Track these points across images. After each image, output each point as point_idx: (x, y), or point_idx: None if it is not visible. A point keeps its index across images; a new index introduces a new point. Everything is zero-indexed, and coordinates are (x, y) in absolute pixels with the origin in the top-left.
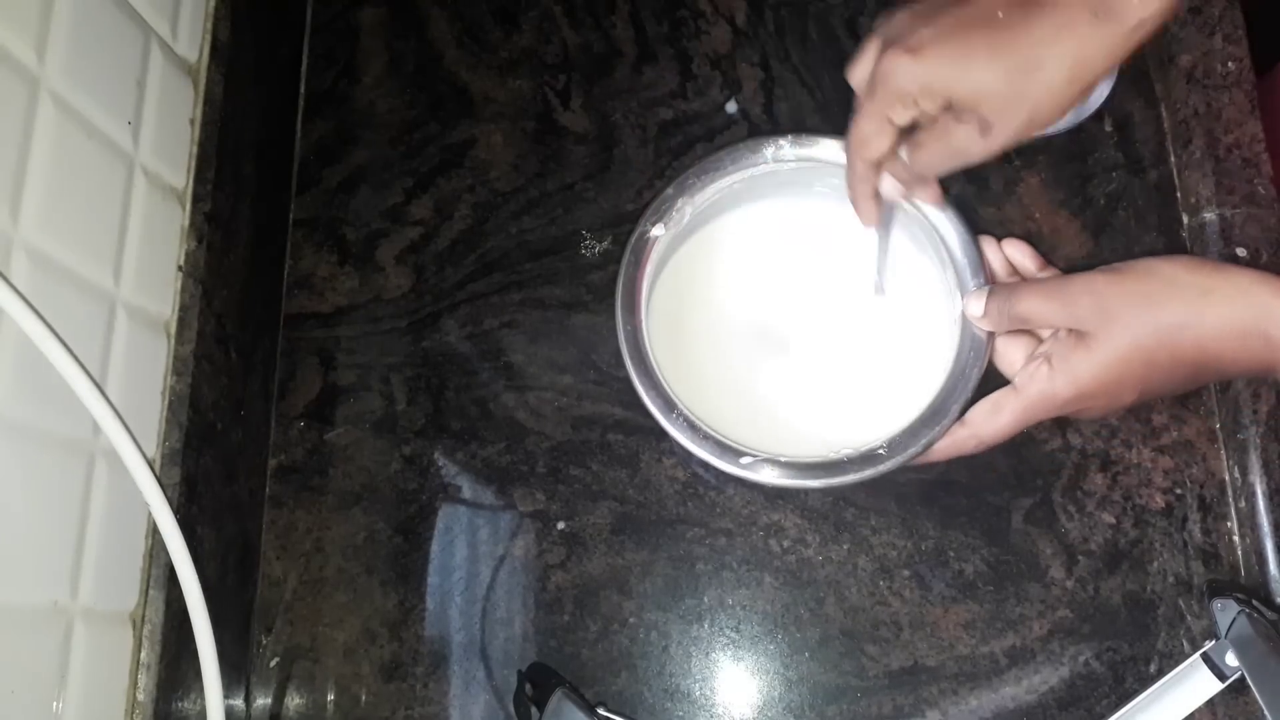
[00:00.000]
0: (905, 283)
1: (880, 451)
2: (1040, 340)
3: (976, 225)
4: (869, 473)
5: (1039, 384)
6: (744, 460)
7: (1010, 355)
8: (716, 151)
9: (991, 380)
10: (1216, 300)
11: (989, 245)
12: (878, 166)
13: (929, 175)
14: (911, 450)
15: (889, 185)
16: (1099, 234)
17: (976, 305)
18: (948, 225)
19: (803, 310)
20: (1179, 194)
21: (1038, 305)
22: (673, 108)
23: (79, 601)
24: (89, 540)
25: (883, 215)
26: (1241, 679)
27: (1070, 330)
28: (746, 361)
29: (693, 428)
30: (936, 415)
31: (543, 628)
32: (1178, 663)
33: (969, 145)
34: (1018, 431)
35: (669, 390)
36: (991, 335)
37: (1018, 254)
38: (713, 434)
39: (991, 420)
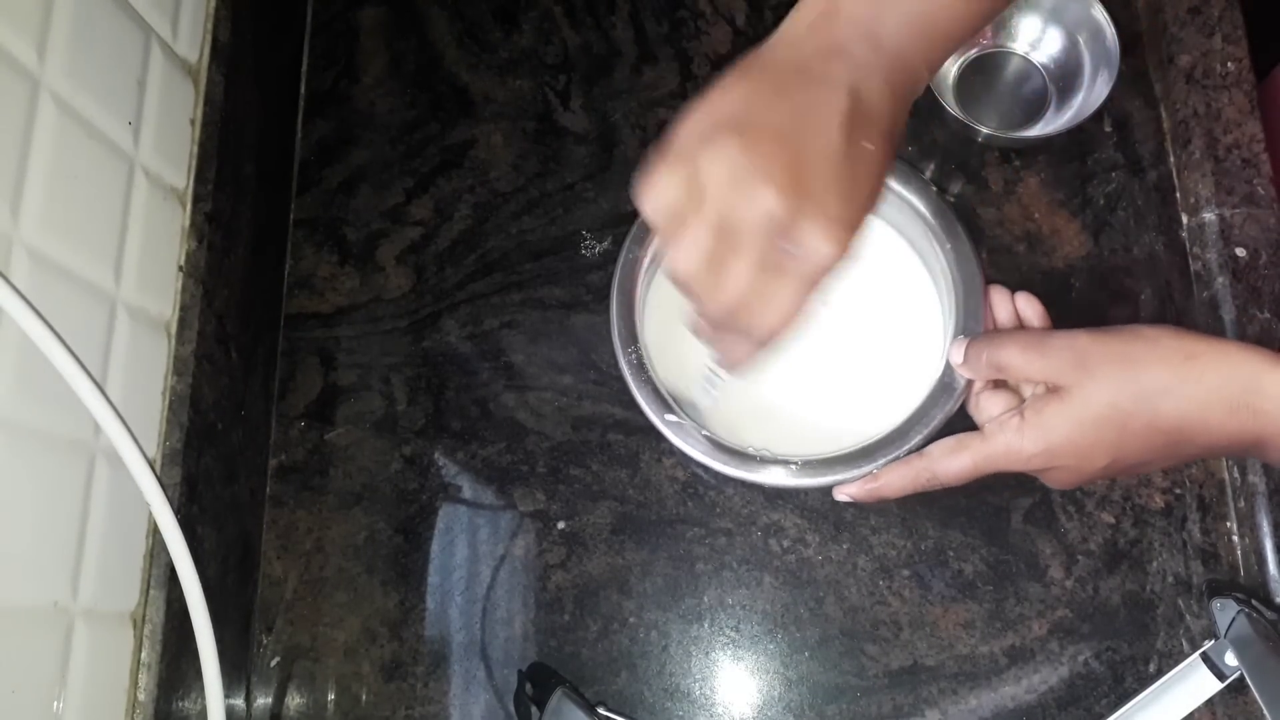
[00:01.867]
0: (902, 282)
1: (865, 452)
2: (1023, 399)
3: (976, 225)
4: (856, 473)
5: (1007, 435)
6: (733, 456)
7: (990, 410)
8: None
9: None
10: (1202, 366)
11: (1000, 295)
12: None
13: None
14: (899, 451)
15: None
16: (1098, 234)
17: (958, 353)
18: (940, 227)
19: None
20: (1178, 194)
21: (1017, 356)
22: (673, 108)
23: (80, 601)
24: (89, 540)
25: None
26: (1241, 679)
27: (1049, 388)
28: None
29: (683, 424)
30: (927, 413)
31: (543, 627)
32: (1177, 662)
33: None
34: (975, 477)
35: (664, 391)
36: (989, 325)
37: (1028, 310)
38: (702, 430)
39: (950, 459)
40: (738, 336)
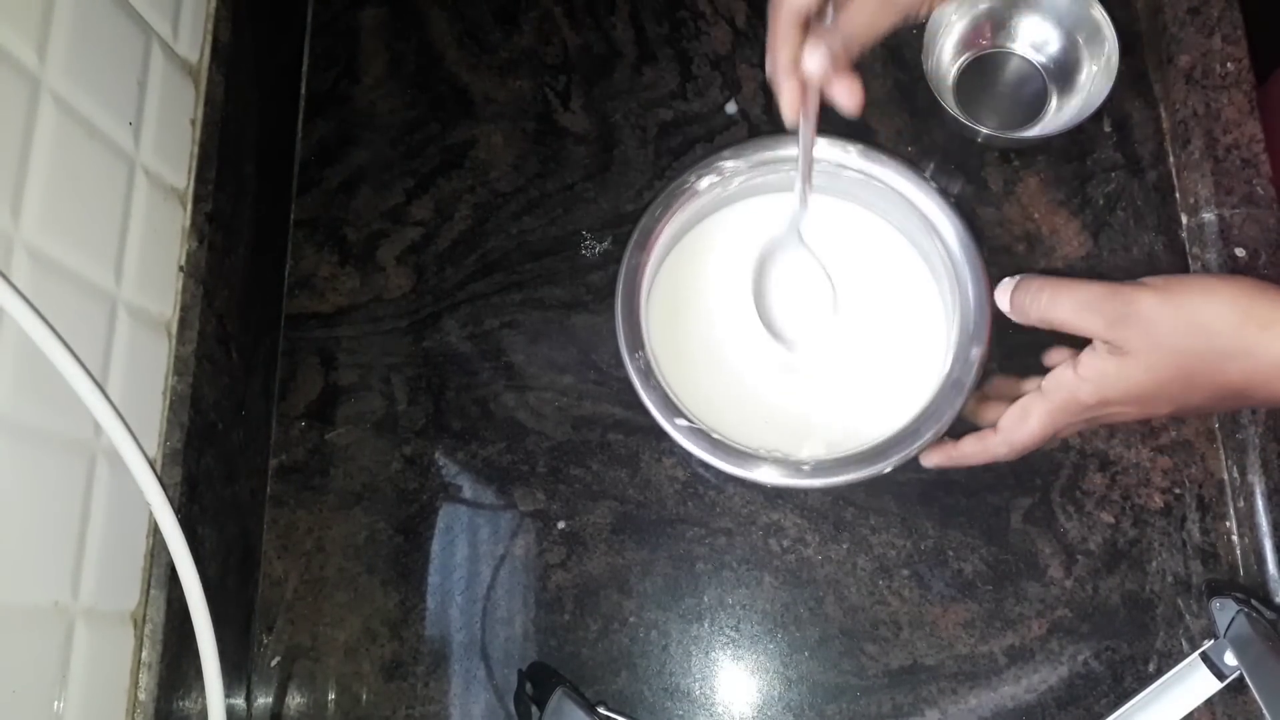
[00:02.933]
0: (903, 279)
1: (878, 450)
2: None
3: (976, 225)
4: (870, 471)
5: (1064, 391)
6: (745, 459)
7: (987, 419)
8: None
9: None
10: (1273, 336)
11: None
12: (803, 28)
13: (857, 43)
14: (912, 448)
15: (814, 60)
16: (1098, 234)
17: (1004, 296)
18: (945, 222)
19: (801, 309)
20: (1178, 194)
21: (1079, 315)
22: (673, 108)
23: (80, 601)
24: (90, 540)
25: (807, 105)
26: (1240, 678)
27: (1106, 344)
28: (746, 360)
29: (695, 429)
30: (938, 410)
31: (543, 627)
32: (1176, 662)
33: None
34: (1049, 435)
35: (669, 391)
36: (991, 323)
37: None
38: (714, 434)
39: (1021, 426)
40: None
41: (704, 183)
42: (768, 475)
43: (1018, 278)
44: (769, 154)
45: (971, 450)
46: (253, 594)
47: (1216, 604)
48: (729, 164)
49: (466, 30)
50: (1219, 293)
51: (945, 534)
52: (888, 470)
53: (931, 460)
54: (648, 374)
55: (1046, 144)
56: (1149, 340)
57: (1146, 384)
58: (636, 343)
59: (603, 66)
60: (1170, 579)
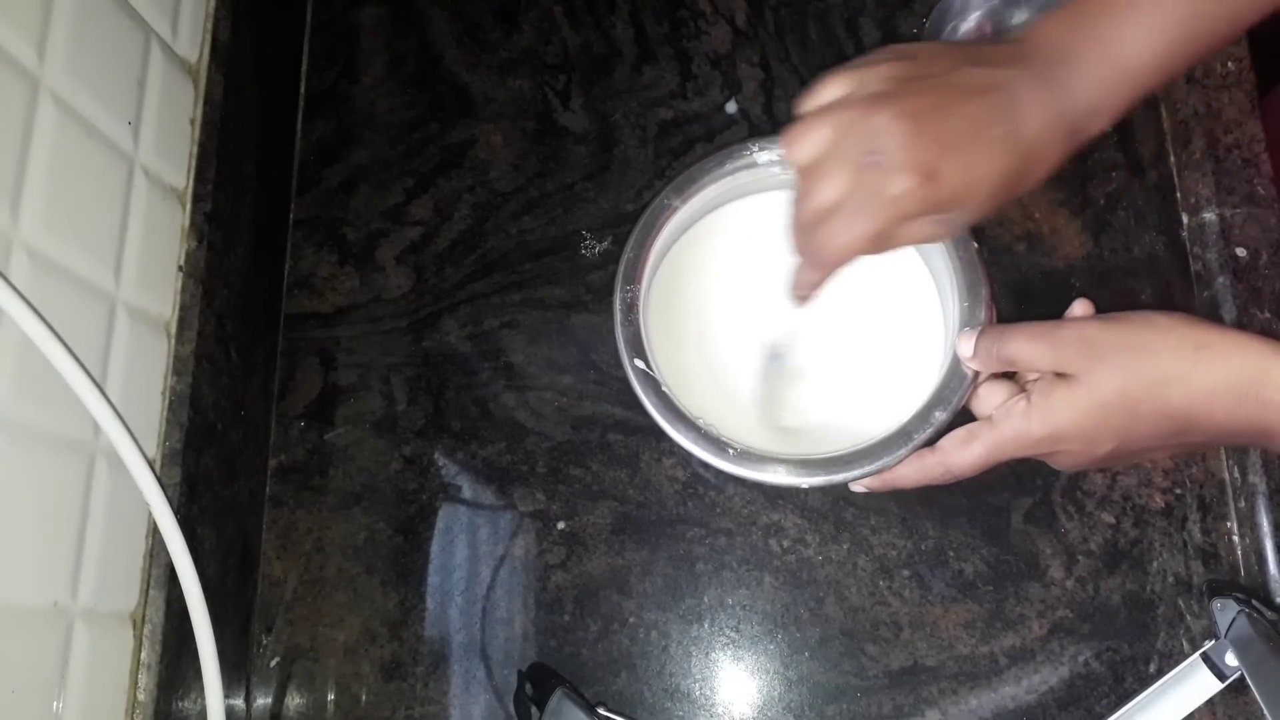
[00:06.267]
0: (902, 279)
1: (878, 449)
2: (1023, 388)
3: (976, 225)
4: (869, 470)
5: (1014, 420)
6: (742, 456)
7: (990, 402)
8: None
9: None
10: (1212, 356)
11: None
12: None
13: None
14: (911, 447)
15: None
16: (1099, 234)
17: (966, 345)
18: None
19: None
20: (1179, 194)
21: (1026, 347)
22: (673, 108)
23: (79, 601)
24: (89, 540)
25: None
26: (1241, 679)
27: (1058, 374)
28: (745, 360)
29: (692, 428)
30: (937, 408)
31: (543, 627)
32: (1177, 663)
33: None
34: (988, 466)
35: (668, 391)
36: (990, 322)
37: None
38: (712, 433)
39: (962, 450)
40: (807, 258)
41: (691, 193)
42: (770, 475)
43: (976, 327)
44: (759, 156)
45: (906, 473)
46: (252, 594)
47: (1217, 604)
48: (722, 167)
49: (466, 29)
50: (1157, 318)
51: (946, 534)
52: (886, 469)
53: (862, 484)
54: (648, 377)
55: None
56: (1092, 360)
57: (1093, 411)
58: (637, 349)
59: (603, 66)
60: (1171, 579)
